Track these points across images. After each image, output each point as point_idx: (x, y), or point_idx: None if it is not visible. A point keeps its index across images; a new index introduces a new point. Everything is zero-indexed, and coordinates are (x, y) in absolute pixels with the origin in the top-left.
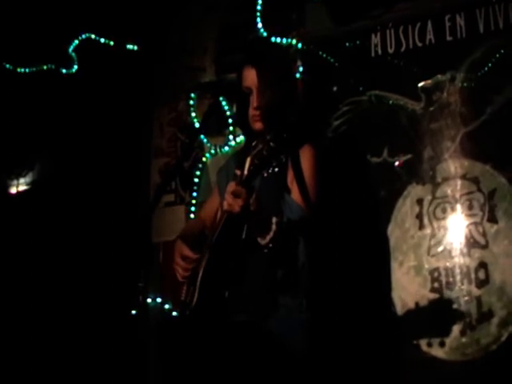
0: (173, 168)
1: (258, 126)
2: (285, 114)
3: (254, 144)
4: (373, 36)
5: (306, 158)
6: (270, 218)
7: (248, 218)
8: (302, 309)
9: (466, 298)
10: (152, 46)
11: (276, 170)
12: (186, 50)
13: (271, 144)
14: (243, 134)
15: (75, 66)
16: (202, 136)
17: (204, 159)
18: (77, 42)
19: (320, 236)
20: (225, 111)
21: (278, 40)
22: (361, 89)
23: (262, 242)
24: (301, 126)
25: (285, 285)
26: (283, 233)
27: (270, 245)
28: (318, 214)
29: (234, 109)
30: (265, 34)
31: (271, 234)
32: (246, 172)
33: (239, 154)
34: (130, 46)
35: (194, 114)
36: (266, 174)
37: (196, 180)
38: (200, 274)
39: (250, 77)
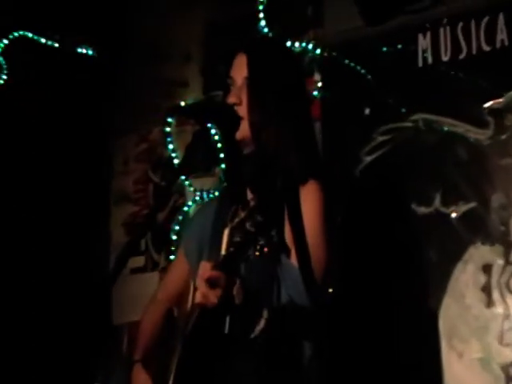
0: (143, 221)
1: (239, 135)
2: (287, 151)
3: (233, 209)
4: (420, 38)
5: (309, 201)
6: (261, 303)
7: (231, 310)
8: None
9: None
10: (114, 50)
11: (265, 250)
12: (160, 56)
13: (258, 218)
14: (225, 159)
15: (3, 75)
16: (183, 177)
17: (186, 208)
18: (6, 42)
19: (334, 321)
20: (215, 143)
21: (288, 44)
22: (403, 111)
23: (251, 335)
24: (309, 163)
25: None
26: (279, 321)
27: (260, 340)
28: (330, 287)
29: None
30: (269, 36)
31: (261, 324)
32: (223, 251)
33: (212, 209)
34: (81, 50)
35: (171, 147)
36: (251, 257)
37: (174, 237)
38: (170, 382)
39: (239, 64)
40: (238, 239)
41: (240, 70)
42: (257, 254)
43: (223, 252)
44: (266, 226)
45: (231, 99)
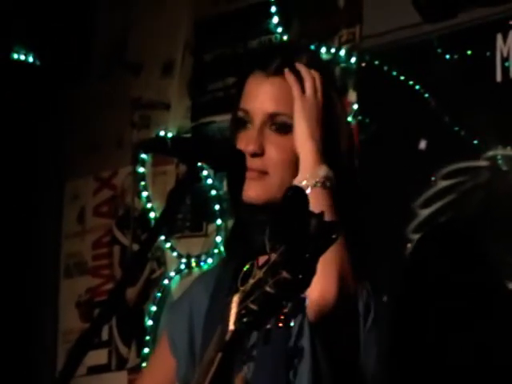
0: (105, 300)
1: (251, 193)
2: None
3: (246, 269)
4: (498, 40)
5: None
6: None
7: None
8: None
9: None
10: (66, 57)
11: (295, 336)
12: (129, 65)
13: (284, 274)
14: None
15: None
16: (162, 237)
17: (166, 282)
18: None
19: None
20: (208, 189)
21: (312, 48)
22: (475, 143)
23: None
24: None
25: None
26: None
27: None
28: None
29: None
30: (285, 38)
31: None
32: (232, 325)
33: (211, 280)
34: (20, 56)
35: (146, 195)
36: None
37: (150, 323)
38: None
39: (262, 93)
40: (254, 307)
41: (261, 102)
42: (280, 324)
43: (231, 326)
44: (295, 285)
45: (249, 147)
